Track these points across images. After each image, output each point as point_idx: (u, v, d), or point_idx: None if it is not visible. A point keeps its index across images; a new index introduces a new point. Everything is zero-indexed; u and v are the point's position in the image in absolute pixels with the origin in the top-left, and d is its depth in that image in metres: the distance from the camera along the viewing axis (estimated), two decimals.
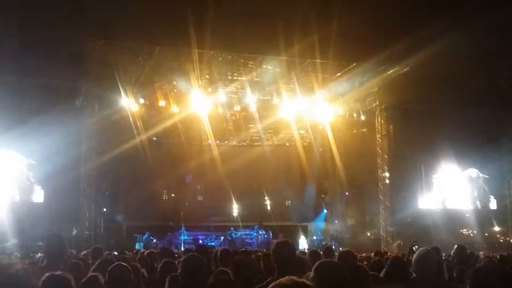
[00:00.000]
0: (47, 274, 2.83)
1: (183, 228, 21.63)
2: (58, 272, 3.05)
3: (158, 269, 5.55)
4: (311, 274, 3.29)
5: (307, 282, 2.07)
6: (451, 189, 23.98)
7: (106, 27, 16.44)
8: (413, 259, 5.07)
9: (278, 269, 4.20)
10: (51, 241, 5.01)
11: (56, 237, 5.09)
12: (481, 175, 24.11)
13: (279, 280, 2.05)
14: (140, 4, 15.63)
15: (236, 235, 22.45)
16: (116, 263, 4.69)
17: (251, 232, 22.82)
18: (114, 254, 11.29)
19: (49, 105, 17.96)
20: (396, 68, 20.74)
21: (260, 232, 22.69)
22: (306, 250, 17.33)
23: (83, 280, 4.41)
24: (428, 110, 21.88)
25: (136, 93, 20.68)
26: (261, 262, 6.63)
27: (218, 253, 7.27)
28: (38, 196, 19.66)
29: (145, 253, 8.84)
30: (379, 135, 23.05)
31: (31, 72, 17.75)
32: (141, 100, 20.77)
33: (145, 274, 6.12)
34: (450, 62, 18.40)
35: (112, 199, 22.65)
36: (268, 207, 25.15)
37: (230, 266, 5.90)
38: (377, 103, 22.96)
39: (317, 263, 3.41)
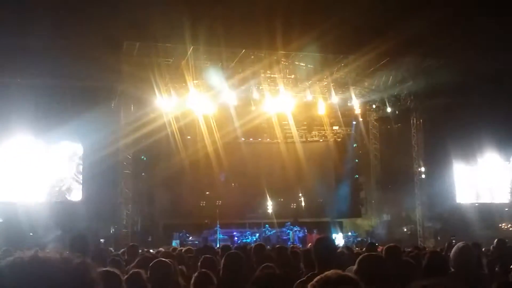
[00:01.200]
0: (103, 270, 2.94)
1: (218, 225, 21.78)
2: (109, 268, 3.16)
3: (199, 265, 5.64)
4: (354, 267, 3.30)
5: (352, 276, 2.11)
6: (490, 182, 23.51)
7: (141, 29, 16.71)
8: (451, 253, 5.04)
9: (318, 264, 4.24)
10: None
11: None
12: None
13: (324, 274, 2.08)
14: (173, 6, 15.82)
15: (271, 232, 22.49)
16: (158, 259, 4.81)
17: (286, 229, 22.81)
18: (150, 251, 11.49)
19: (86, 107, 18.40)
20: (431, 62, 20.46)
21: (295, 229, 22.66)
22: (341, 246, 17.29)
23: (126, 277, 4.54)
24: (464, 103, 21.51)
25: (169, 93, 20.94)
26: (301, 258, 6.65)
27: (252, 248, 7.35)
28: (77, 194, 20.13)
29: (183, 250, 9.01)
30: (414, 130, 22.78)
31: (70, 75, 18.17)
32: (175, 100, 21.01)
33: (184, 270, 6.22)
34: (485, 54, 18.07)
35: (149, 198, 22.98)
36: (303, 204, 25.09)
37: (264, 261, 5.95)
38: (412, 97, 22.68)
39: (361, 256, 3.42)
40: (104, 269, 2.74)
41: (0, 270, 1.42)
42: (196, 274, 4.83)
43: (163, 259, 4.84)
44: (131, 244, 9.65)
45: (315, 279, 2.09)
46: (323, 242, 4.44)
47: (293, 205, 24.78)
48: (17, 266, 1.42)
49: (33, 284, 1.40)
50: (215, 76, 20.61)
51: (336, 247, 4.75)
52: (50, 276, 1.41)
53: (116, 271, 3.30)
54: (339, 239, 22.57)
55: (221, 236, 21.83)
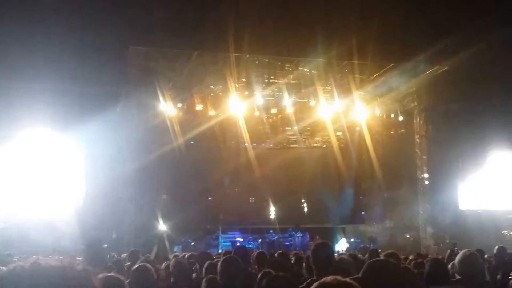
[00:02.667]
0: (104, 275, 2.96)
1: (221, 230, 21.77)
2: (112, 274, 3.17)
3: (204, 271, 5.65)
4: (363, 271, 3.18)
5: (351, 281, 2.10)
6: (494, 189, 23.42)
7: (146, 34, 16.78)
8: (456, 260, 5.02)
9: (316, 270, 4.24)
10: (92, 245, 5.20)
11: (97, 242, 5.29)
12: None
13: (323, 280, 2.08)
14: (179, 10, 15.89)
15: (274, 238, 22.47)
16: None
17: (288, 235, 22.78)
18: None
19: (91, 111, 18.44)
20: (435, 68, 20.46)
21: (298, 235, 22.63)
22: (345, 252, 17.26)
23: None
24: (468, 109, 21.46)
25: (174, 98, 20.99)
26: (303, 264, 6.65)
27: (254, 256, 7.35)
28: (79, 199, 20.13)
29: (186, 256, 9.00)
30: (418, 136, 22.74)
31: (74, 79, 18.23)
32: (179, 105, 21.04)
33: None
34: (490, 61, 18.04)
35: (151, 202, 22.96)
36: (305, 209, 25.07)
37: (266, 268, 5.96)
38: (416, 103, 22.66)
39: (368, 262, 3.35)
40: (107, 274, 2.75)
41: (1, 278, 1.43)
42: (206, 279, 4.85)
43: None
44: (132, 249, 9.68)
45: (313, 285, 2.09)
46: (320, 247, 4.44)
47: (296, 211, 24.74)
48: (18, 274, 1.43)
49: None
50: (219, 81, 20.69)
51: (333, 252, 4.74)
52: (51, 284, 1.42)
53: (119, 276, 3.31)
54: (343, 245, 22.53)
55: (224, 240, 21.84)
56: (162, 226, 20.86)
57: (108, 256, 9.16)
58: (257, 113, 22.01)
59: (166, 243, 19.50)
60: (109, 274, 2.97)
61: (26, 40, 16.08)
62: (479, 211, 22.90)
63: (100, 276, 2.77)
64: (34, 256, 1.50)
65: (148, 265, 5.34)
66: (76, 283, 1.48)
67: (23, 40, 16.04)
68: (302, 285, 4.32)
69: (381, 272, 3.09)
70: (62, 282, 1.44)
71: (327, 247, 4.46)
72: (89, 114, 18.01)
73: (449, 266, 5.54)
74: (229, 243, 21.57)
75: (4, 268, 1.48)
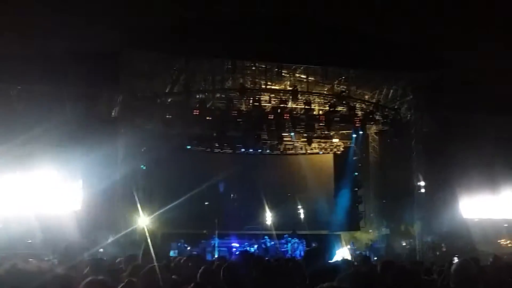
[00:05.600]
0: (89, 279, 2.88)
1: (217, 235, 21.70)
2: (100, 277, 3.09)
3: (198, 276, 5.58)
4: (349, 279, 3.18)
5: None
6: (491, 198, 23.42)
7: (141, 38, 16.77)
8: (452, 269, 5.00)
9: (309, 276, 4.19)
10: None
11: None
12: None
13: (319, 286, 2.06)
14: (173, 14, 15.90)
15: (270, 244, 22.40)
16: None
17: (284, 241, 22.72)
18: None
19: (87, 115, 18.41)
20: (431, 75, 20.49)
21: (293, 241, 22.57)
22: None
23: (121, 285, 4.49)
24: (466, 117, 21.48)
25: (169, 102, 20.98)
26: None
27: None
28: (75, 204, 20.05)
29: (182, 260, 8.93)
30: (414, 143, 22.73)
31: (70, 82, 18.20)
32: (175, 109, 21.00)
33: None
34: (487, 68, 18.09)
35: (147, 207, 22.88)
36: (302, 216, 25.01)
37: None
38: (412, 110, 22.67)
39: (353, 270, 3.35)
40: (90, 278, 2.68)
41: None
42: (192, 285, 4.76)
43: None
44: (128, 254, 9.58)
45: None
46: (313, 253, 4.40)
47: (292, 217, 24.66)
48: None
49: None
50: (215, 86, 20.75)
51: (326, 258, 4.69)
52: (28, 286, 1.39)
53: (104, 279, 3.24)
54: (345, 253, 22.34)
55: (219, 246, 21.77)
56: (155, 227, 20.85)
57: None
58: (253, 119, 21.91)
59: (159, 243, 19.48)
60: (94, 277, 2.89)
61: (16, 42, 16.07)
62: (476, 219, 22.89)
63: (87, 280, 2.71)
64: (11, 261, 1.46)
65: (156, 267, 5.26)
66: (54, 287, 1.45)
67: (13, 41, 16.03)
68: None
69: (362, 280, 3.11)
70: (39, 286, 1.41)
71: (319, 253, 4.41)
72: (84, 117, 18.00)
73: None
74: (225, 249, 21.51)
75: None
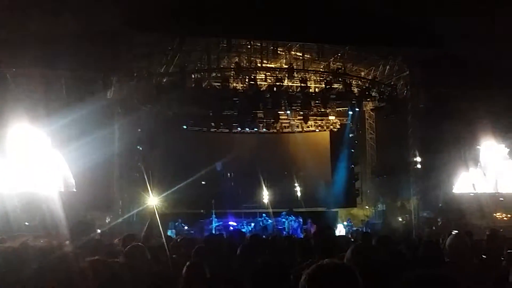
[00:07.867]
0: (93, 258, 2.88)
1: (214, 215, 21.80)
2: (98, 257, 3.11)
3: (193, 253, 5.60)
4: (347, 255, 3.26)
5: (348, 264, 2.10)
6: (489, 172, 23.54)
7: (136, 17, 16.60)
8: (446, 243, 5.06)
9: (320, 254, 4.22)
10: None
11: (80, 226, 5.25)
12: None
13: (320, 262, 2.07)
14: None
15: (267, 222, 22.53)
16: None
17: (281, 219, 22.84)
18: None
19: (82, 96, 18.32)
20: (428, 52, 20.41)
21: (290, 219, 22.70)
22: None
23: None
24: (462, 93, 21.45)
25: (165, 82, 20.88)
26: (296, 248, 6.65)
27: (248, 239, 7.34)
28: (71, 185, 20.03)
29: (179, 240, 8.98)
30: (410, 120, 22.75)
31: (65, 63, 18.06)
32: (170, 89, 20.90)
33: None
34: (485, 45, 18.01)
35: (144, 187, 22.91)
36: (299, 194, 25.11)
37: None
38: (408, 87, 22.64)
39: (353, 245, 3.40)
40: (94, 257, 2.69)
41: None
42: (188, 264, 4.68)
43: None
44: (126, 233, 9.61)
45: (311, 267, 2.07)
46: (325, 232, 4.44)
47: (289, 195, 24.77)
48: (8, 253, 1.41)
49: (21, 271, 1.39)
50: (211, 65, 20.65)
51: (336, 236, 4.75)
52: (39, 263, 1.40)
53: (108, 259, 3.26)
54: (339, 229, 22.57)
55: (217, 225, 21.89)
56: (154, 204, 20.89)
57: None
58: (250, 98, 21.85)
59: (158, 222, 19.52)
60: (97, 257, 2.90)
61: (16, 24, 15.91)
62: (471, 194, 23.02)
63: (88, 259, 2.71)
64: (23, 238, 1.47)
65: (141, 245, 5.27)
66: (64, 264, 1.46)
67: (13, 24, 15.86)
68: (301, 266, 4.30)
69: (363, 255, 3.15)
70: (50, 263, 1.41)
71: (329, 230, 4.46)
72: (79, 99, 17.92)
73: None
74: (222, 227, 21.63)
75: None
